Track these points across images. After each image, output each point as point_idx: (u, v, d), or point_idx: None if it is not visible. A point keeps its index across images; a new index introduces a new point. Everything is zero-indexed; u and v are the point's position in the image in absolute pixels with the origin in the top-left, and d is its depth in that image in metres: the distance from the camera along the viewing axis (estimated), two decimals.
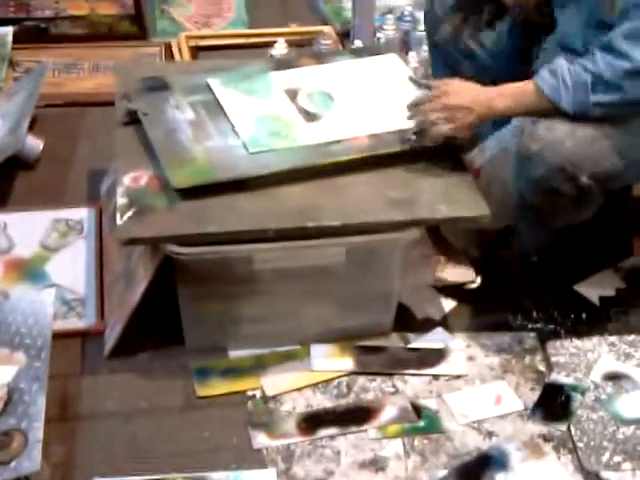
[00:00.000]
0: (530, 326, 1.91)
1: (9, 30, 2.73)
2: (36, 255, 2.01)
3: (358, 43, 2.63)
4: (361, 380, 1.78)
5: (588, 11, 1.73)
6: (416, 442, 1.66)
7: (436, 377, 1.79)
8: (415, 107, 1.81)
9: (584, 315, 1.95)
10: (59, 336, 1.71)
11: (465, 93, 1.76)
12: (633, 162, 1.76)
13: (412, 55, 2.55)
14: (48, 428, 1.49)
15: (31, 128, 2.30)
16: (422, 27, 2.40)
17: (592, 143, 1.69)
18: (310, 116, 1.87)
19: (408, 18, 2.69)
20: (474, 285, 2.00)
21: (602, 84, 1.64)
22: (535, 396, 1.76)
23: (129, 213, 1.65)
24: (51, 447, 1.57)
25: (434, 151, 1.82)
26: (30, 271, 1.97)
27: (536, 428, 1.70)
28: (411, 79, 1.96)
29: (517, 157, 1.78)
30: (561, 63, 1.69)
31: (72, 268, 1.97)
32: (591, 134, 1.69)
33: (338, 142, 1.80)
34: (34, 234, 2.06)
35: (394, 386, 1.77)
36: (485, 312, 1.94)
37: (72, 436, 1.64)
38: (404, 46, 2.64)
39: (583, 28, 1.75)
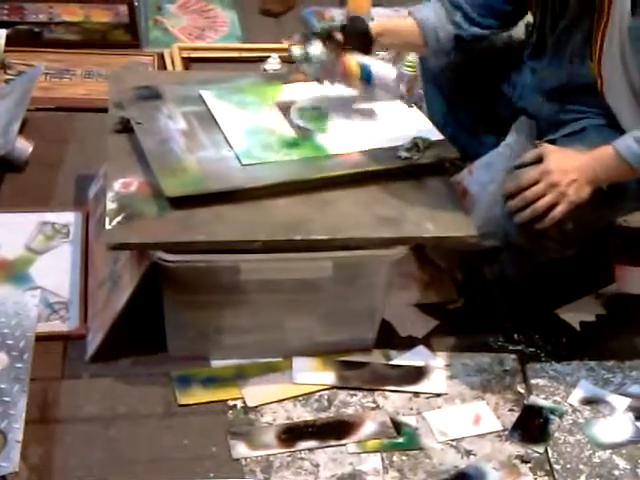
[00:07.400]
0: (511, 348, 1.93)
1: (2, 33, 2.73)
2: (21, 257, 2.00)
3: None
4: (342, 395, 1.78)
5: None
6: (395, 458, 1.67)
7: (416, 394, 1.80)
8: (518, 194, 1.68)
9: (564, 339, 1.97)
10: (41, 338, 1.70)
11: (566, 163, 1.67)
12: (618, 206, 1.80)
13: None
14: (27, 429, 1.48)
15: (21, 131, 2.30)
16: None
17: None
18: (302, 131, 1.88)
19: None
20: (457, 305, 2.02)
21: None
22: (514, 417, 1.77)
23: (118, 218, 1.65)
24: (29, 449, 1.57)
25: (423, 170, 1.84)
26: (14, 273, 1.96)
27: (514, 449, 1.71)
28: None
29: (503, 199, 1.76)
30: None
31: (56, 271, 1.97)
32: None
33: (329, 157, 1.82)
34: (19, 236, 2.05)
35: (374, 402, 1.78)
36: (467, 332, 1.96)
37: (51, 439, 1.63)
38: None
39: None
